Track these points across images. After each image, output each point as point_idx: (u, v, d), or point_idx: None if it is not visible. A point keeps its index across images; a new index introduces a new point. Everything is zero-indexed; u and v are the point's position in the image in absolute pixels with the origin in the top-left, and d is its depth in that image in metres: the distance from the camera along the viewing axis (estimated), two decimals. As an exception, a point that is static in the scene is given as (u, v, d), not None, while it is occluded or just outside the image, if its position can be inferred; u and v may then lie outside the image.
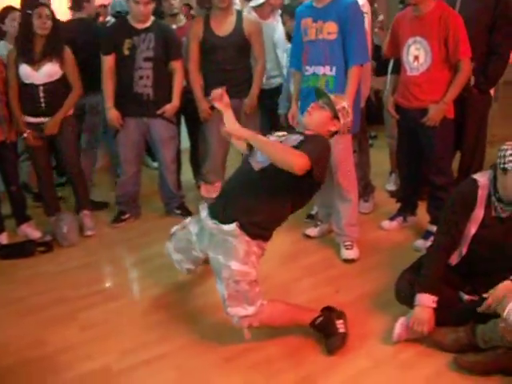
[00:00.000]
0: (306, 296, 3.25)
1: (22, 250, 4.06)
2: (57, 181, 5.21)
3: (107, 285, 3.66)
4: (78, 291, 3.48)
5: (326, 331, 2.80)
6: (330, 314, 2.84)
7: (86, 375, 2.69)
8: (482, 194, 2.69)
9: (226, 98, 2.88)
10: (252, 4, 4.50)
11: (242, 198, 2.73)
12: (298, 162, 2.46)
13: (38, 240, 4.20)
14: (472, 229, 2.71)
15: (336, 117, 2.85)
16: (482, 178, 2.73)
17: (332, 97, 2.86)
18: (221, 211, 2.76)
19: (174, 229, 3.17)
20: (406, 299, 2.86)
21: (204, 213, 2.89)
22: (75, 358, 2.82)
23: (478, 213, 2.70)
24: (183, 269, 3.12)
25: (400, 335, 2.77)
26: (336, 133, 2.93)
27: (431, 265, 2.76)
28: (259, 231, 2.72)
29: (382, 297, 3.19)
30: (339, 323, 2.82)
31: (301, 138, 2.75)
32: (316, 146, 2.66)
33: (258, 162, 2.75)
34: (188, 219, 3.13)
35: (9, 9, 4.53)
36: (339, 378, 2.59)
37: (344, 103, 2.87)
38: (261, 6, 4.56)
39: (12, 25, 4.44)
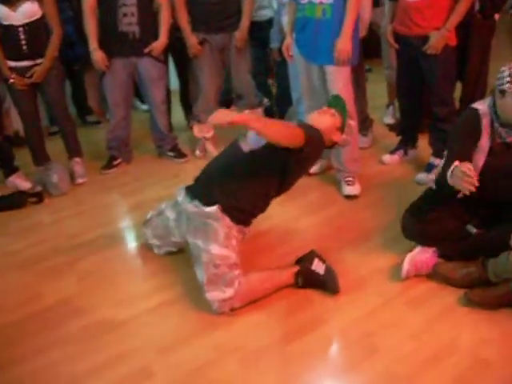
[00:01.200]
0: (307, 235, 3.18)
1: (13, 201, 3.94)
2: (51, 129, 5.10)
3: (102, 233, 3.53)
4: (72, 241, 3.40)
5: (315, 282, 2.72)
6: (304, 266, 2.74)
7: (88, 327, 2.62)
8: (485, 122, 2.61)
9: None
10: None
11: (226, 180, 2.65)
12: (294, 139, 2.44)
13: (28, 191, 4.07)
14: (479, 160, 2.62)
15: (341, 129, 2.80)
16: (481, 106, 2.66)
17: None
18: (202, 192, 2.69)
19: (149, 214, 3.12)
20: (413, 234, 2.81)
21: (181, 196, 2.82)
22: (76, 310, 2.75)
23: (484, 142, 2.62)
24: (162, 252, 3.09)
25: (409, 271, 2.71)
26: (333, 146, 2.87)
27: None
28: (242, 216, 2.65)
29: (388, 233, 3.14)
30: (315, 266, 2.72)
31: None
32: (314, 133, 2.63)
33: (248, 145, 2.68)
34: (163, 204, 3.05)
35: None
36: (348, 316, 2.54)
37: (352, 122, 2.89)
38: None
39: None
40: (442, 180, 2.56)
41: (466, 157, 2.51)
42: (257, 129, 2.34)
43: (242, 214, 2.65)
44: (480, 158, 2.62)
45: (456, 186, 2.34)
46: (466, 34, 3.55)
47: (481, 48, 3.76)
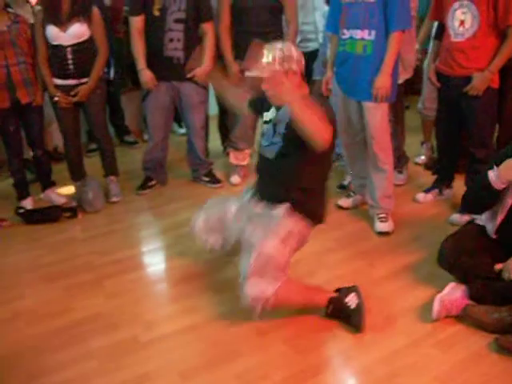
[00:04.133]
0: (339, 269, 3.16)
1: (48, 215, 4.02)
2: (90, 146, 5.20)
3: (133, 253, 3.56)
4: (103, 258, 3.44)
5: (341, 314, 2.69)
6: (339, 295, 2.73)
7: (113, 345, 2.64)
8: None
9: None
10: None
11: (281, 180, 2.71)
12: (325, 137, 2.41)
13: (63, 205, 4.14)
14: (509, 199, 2.63)
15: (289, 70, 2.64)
16: None
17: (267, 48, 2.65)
18: (269, 194, 2.78)
19: (208, 202, 3.10)
20: (450, 266, 2.78)
21: (248, 195, 2.89)
22: (102, 327, 2.78)
23: None
24: (207, 245, 3.00)
25: (439, 312, 2.66)
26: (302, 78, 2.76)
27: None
28: (310, 207, 2.72)
29: (419, 271, 3.10)
30: (349, 299, 2.69)
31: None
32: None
33: (268, 151, 2.75)
34: (229, 198, 3.06)
35: None
36: (373, 354, 2.50)
37: (276, 51, 2.62)
38: None
39: None
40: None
41: None
42: (295, 110, 2.37)
43: (309, 205, 2.72)
44: (510, 197, 2.63)
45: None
46: (504, 77, 3.51)
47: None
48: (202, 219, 2.98)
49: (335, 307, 2.69)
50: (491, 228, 2.78)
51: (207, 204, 3.07)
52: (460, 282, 2.75)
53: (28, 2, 4.62)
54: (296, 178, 2.69)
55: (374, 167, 3.54)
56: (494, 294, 2.66)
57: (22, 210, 4.03)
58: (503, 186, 2.60)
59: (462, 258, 2.73)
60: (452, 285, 2.73)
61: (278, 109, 2.74)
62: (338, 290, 2.77)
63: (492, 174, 2.59)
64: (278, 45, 2.64)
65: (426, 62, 4.16)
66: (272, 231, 2.62)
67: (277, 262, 2.56)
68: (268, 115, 2.82)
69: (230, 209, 2.91)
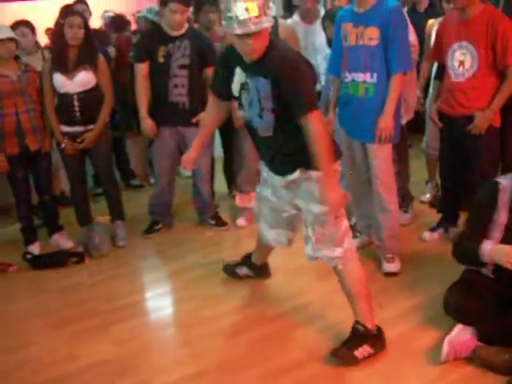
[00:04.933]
0: (347, 311, 3.11)
1: (55, 260, 4.03)
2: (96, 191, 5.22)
3: (140, 298, 3.58)
4: (110, 304, 3.43)
5: (352, 340, 2.75)
6: (369, 335, 2.76)
7: (119, 393, 2.62)
8: (503, 197, 2.64)
9: None
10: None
11: (285, 156, 2.74)
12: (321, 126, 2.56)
13: (70, 250, 4.16)
14: (497, 233, 2.65)
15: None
16: (504, 180, 2.70)
17: None
18: (277, 168, 2.83)
19: (255, 209, 3.21)
20: (457, 315, 2.76)
21: (265, 171, 2.97)
22: (109, 374, 2.76)
23: (502, 217, 2.64)
24: (283, 243, 3.14)
25: (448, 354, 2.64)
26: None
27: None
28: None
29: (428, 312, 3.08)
30: (364, 348, 2.72)
31: (266, 81, 2.57)
32: (296, 81, 2.52)
33: (262, 130, 2.73)
34: (257, 188, 3.15)
35: (16, 23, 4.44)
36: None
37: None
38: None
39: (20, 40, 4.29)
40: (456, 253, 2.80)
41: (483, 232, 2.67)
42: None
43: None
44: (497, 232, 2.65)
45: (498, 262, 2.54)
46: (505, 115, 3.54)
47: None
48: (264, 226, 3.15)
49: (360, 334, 2.76)
50: (486, 270, 2.79)
51: (255, 212, 3.20)
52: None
53: (40, 48, 4.71)
54: (297, 142, 2.65)
55: (379, 207, 3.55)
56: (504, 334, 2.64)
57: (29, 256, 4.04)
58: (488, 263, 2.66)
59: (468, 305, 2.73)
60: (461, 326, 2.71)
61: (247, 69, 2.64)
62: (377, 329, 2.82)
63: (485, 249, 2.60)
64: None
65: (427, 102, 4.20)
66: (308, 200, 2.72)
67: (331, 221, 2.70)
68: (239, 80, 2.72)
69: (267, 194, 3.01)
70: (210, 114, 3.09)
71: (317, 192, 2.67)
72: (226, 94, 2.86)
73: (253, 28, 2.40)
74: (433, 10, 5.32)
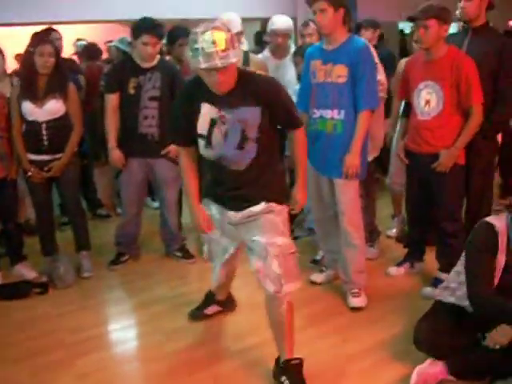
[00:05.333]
0: (311, 346, 3.13)
1: (17, 290, 3.94)
2: (62, 220, 5.15)
3: (105, 330, 3.51)
4: (74, 336, 3.37)
5: (294, 376, 2.76)
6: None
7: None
8: (502, 240, 2.65)
9: None
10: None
11: (247, 186, 2.69)
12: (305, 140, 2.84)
13: (33, 280, 4.08)
14: (495, 277, 2.66)
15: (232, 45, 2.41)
16: (498, 222, 2.70)
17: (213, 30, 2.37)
18: (236, 201, 2.72)
19: (206, 251, 3.18)
20: (428, 348, 2.77)
21: (213, 209, 2.87)
22: (71, 411, 2.69)
23: (500, 259, 2.66)
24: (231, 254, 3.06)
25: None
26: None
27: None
28: (282, 192, 2.81)
29: (394, 346, 3.09)
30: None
31: (255, 109, 2.56)
32: (285, 100, 2.69)
33: (236, 163, 2.64)
34: (205, 236, 3.06)
35: None
36: None
37: (224, 34, 2.37)
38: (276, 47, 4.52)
39: None
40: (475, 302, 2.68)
41: (491, 279, 2.63)
42: None
43: (281, 189, 2.82)
44: (496, 274, 2.65)
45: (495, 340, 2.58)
46: (469, 153, 3.62)
47: (483, 167, 3.78)
48: (218, 269, 3.23)
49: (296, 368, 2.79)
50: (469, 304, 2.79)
51: (205, 254, 3.21)
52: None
53: (8, 75, 4.68)
54: (269, 176, 2.72)
55: (345, 242, 3.58)
56: (474, 366, 2.67)
57: (-10, 286, 3.95)
58: None
59: (439, 339, 2.74)
60: (430, 360, 2.73)
61: (221, 101, 2.56)
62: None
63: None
64: (218, 24, 2.40)
65: (394, 139, 4.28)
66: (272, 233, 2.67)
67: (293, 254, 2.71)
68: (206, 117, 2.62)
69: (215, 237, 2.98)
70: (187, 170, 2.87)
71: (281, 224, 2.69)
72: (190, 138, 2.73)
73: (219, 63, 2.33)
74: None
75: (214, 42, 2.32)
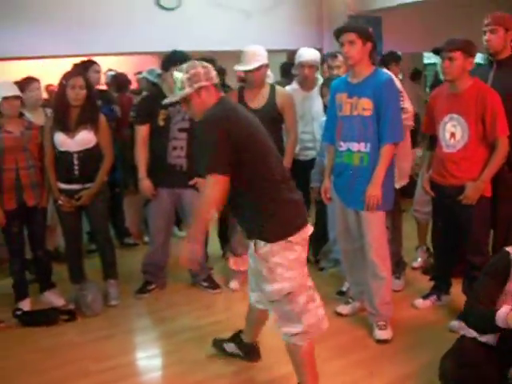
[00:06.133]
0: (337, 379, 3.11)
1: (46, 317, 4.00)
2: (90, 247, 5.22)
3: (130, 359, 3.54)
4: (100, 364, 3.39)
5: None
6: None
7: None
8: None
9: None
10: (240, 68, 4.29)
11: (241, 222, 2.87)
12: (213, 190, 2.58)
13: (61, 308, 4.13)
14: (507, 304, 2.61)
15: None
16: None
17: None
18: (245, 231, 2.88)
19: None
20: (452, 381, 2.72)
21: None
22: None
23: (510, 287, 2.63)
24: (263, 305, 3.02)
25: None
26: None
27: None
28: (279, 220, 2.67)
29: (421, 379, 3.07)
30: None
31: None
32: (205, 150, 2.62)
33: None
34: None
35: (29, 79, 4.67)
36: None
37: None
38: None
39: (30, 95, 4.58)
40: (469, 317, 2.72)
41: (489, 302, 2.64)
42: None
43: (272, 225, 2.66)
44: (507, 301, 2.62)
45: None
46: (495, 185, 3.61)
47: (509, 198, 3.76)
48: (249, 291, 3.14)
49: None
50: (492, 338, 2.76)
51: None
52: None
53: (43, 107, 4.81)
54: (247, 210, 2.72)
55: (372, 275, 3.57)
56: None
57: (19, 312, 4.01)
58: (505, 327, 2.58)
59: (465, 373, 2.69)
60: None
61: None
62: None
63: (501, 313, 2.54)
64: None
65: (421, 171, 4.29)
66: (260, 281, 2.77)
67: (285, 299, 2.68)
68: None
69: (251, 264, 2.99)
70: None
71: (265, 271, 2.69)
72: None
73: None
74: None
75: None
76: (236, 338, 3.36)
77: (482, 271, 2.82)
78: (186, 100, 2.75)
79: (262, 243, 2.67)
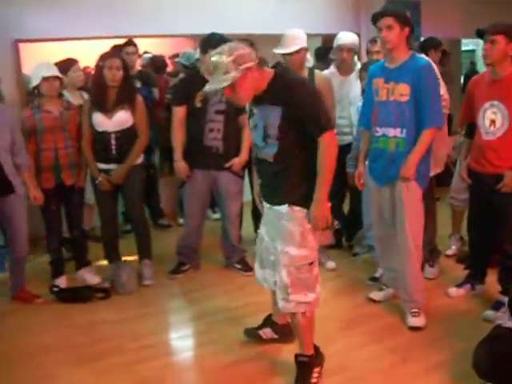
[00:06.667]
0: (370, 365, 3.11)
1: (81, 295, 4.08)
2: (125, 227, 5.30)
3: (164, 338, 3.59)
4: (134, 342, 3.44)
5: (303, 373, 2.86)
6: (313, 360, 2.89)
7: None
8: None
9: None
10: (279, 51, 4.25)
11: (279, 185, 2.77)
12: (332, 147, 2.67)
13: (96, 286, 4.21)
14: None
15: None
16: None
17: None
18: (269, 195, 2.87)
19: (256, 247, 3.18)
20: (487, 373, 2.70)
21: (263, 204, 2.99)
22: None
23: None
24: (270, 284, 3.03)
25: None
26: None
27: None
28: (309, 196, 2.72)
29: (454, 368, 3.03)
30: (314, 372, 2.87)
31: (277, 109, 2.67)
32: (311, 102, 2.66)
33: (265, 154, 2.77)
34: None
35: (70, 60, 4.78)
36: None
37: (225, 57, 2.57)
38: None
39: (72, 76, 4.72)
40: None
41: None
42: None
43: (308, 193, 2.72)
44: None
45: None
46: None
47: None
48: (257, 264, 3.14)
49: (305, 364, 2.89)
50: None
51: (256, 251, 3.17)
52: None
53: (79, 89, 4.88)
54: (295, 175, 2.74)
55: (405, 262, 3.54)
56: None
57: (56, 289, 4.10)
58: None
59: (498, 364, 2.66)
60: None
61: (254, 106, 2.81)
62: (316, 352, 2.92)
63: None
64: (225, 48, 2.60)
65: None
66: (287, 242, 2.74)
67: (306, 266, 2.75)
68: (248, 105, 2.88)
69: (261, 230, 3.06)
70: None
71: (297, 235, 2.72)
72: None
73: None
74: None
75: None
76: (268, 321, 3.36)
77: None
78: (231, 85, 2.59)
79: (297, 207, 2.73)
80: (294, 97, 2.64)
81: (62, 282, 4.22)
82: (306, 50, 4.17)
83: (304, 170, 2.74)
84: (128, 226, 5.19)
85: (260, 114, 2.76)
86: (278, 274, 2.81)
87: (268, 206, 2.90)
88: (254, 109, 2.80)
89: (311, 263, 2.76)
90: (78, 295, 4.07)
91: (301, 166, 2.74)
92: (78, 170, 4.12)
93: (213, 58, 2.60)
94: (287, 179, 2.74)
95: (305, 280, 2.75)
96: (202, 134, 4.12)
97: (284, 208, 2.74)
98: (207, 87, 2.65)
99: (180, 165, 4.18)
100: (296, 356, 2.90)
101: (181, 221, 5.38)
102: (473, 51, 10.33)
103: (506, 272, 3.64)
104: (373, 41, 4.52)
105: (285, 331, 3.28)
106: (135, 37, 5.38)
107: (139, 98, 4.16)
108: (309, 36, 4.24)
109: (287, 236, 2.75)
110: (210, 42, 3.94)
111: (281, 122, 2.66)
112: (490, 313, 3.59)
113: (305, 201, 2.72)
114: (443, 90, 3.83)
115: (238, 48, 2.59)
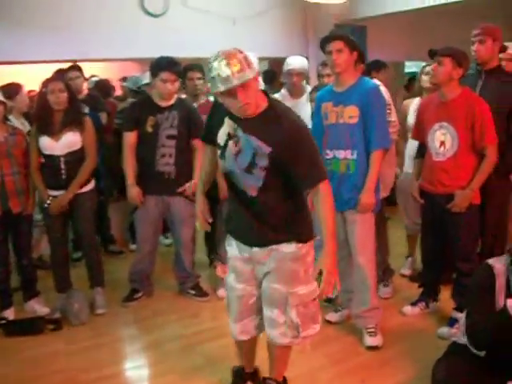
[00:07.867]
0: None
1: (31, 326, 3.92)
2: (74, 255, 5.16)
3: (118, 369, 3.48)
4: (87, 375, 3.33)
5: None
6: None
7: None
8: (500, 282, 2.62)
9: None
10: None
11: (268, 223, 2.60)
12: (332, 196, 2.57)
13: (47, 317, 4.06)
14: None
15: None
16: (497, 263, 2.68)
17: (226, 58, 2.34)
18: (260, 239, 2.64)
19: (225, 300, 2.97)
20: None
21: (234, 249, 2.78)
22: None
23: (499, 300, 2.61)
24: (252, 333, 2.86)
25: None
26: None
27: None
28: (306, 230, 2.69)
29: (411, 388, 3.04)
30: None
31: (265, 147, 2.45)
32: (307, 149, 2.49)
33: (250, 187, 2.55)
34: (225, 279, 2.91)
35: (15, 85, 4.73)
36: None
37: (238, 55, 2.36)
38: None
39: (20, 100, 4.68)
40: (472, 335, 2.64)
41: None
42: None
43: (305, 227, 2.68)
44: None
45: None
46: (484, 193, 3.64)
47: (497, 207, 3.82)
48: (232, 320, 2.87)
49: None
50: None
51: (229, 309, 2.90)
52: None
53: (23, 115, 4.77)
54: (283, 210, 2.60)
55: (359, 281, 3.57)
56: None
57: (3, 321, 3.94)
58: None
59: (457, 381, 2.67)
60: None
61: (241, 124, 2.50)
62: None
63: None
64: (235, 50, 2.38)
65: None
66: (293, 282, 2.63)
67: (313, 301, 2.69)
68: (226, 130, 2.58)
69: (233, 283, 2.81)
70: (205, 168, 2.93)
71: (302, 273, 2.64)
72: (211, 139, 2.69)
73: (235, 82, 2.30)
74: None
75: (227, 65, 2.31)
76: (239, 376, 3.14)
77: (470, 288, 2.81)
78: (244, 85, 2.35)
79: (291, 246, 2.61)
80: (290, 141, 2.43)
81: (10, 314, 4.06)
82: (257, 73, 4.17)
83: (296, 208, 2.64)
84: (78, 253, 5.06)
85: (247, 142, 2.49)
86: (275, 312, 2.67)
87: (254, 248, 2.67)
88: (241, 136, 2.51)
89: (315, 298, 2.69)
90: (28, 327, 3.92)
91: (287, 202, 2.60)
92: (26, 197, 3.99)
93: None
94: (281, 213, 2.60)
95: (312, 314, 2.70)
96: (154, 159, 4.06)
97: (291, 247, 2.61)
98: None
99: (133, 190, 4.11)
100: (264, 379, 2.87)
101: (132, 247, 5.28)
102: (414, 73, 10.68)
103: (459, 289, 3.70)
104: (324, 64, 4.57)
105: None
106: (81, 61, 5.32)
107: (87, 119, 4.09)
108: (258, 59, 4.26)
109: (292, 277, 2.64)
110: (161, 64, 3.93)
111: (269, 155, 2.46)
112: (444, 330, 3.64)
113: (304, 236, 2.67)
114: (394, 116, 3.95)
115: (240, 50, 2.40)
